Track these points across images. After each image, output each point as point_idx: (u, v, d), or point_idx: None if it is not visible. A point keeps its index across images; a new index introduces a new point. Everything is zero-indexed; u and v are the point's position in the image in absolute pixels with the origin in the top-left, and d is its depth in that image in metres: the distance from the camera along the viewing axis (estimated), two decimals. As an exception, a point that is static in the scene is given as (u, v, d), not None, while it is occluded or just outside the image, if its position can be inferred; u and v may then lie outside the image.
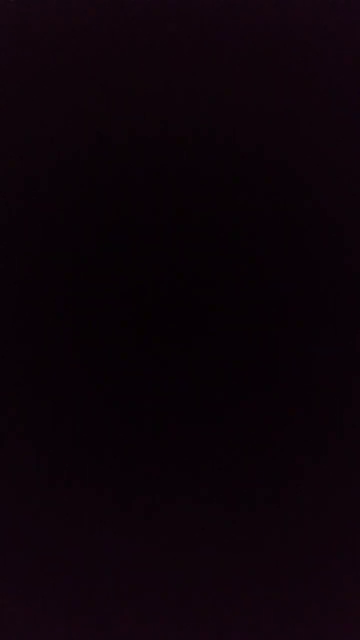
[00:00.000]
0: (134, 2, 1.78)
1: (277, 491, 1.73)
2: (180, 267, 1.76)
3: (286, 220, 1.76)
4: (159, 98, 1.78)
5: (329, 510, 1.73)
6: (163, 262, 1.76)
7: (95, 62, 1.79)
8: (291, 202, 1.76)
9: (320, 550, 1.73)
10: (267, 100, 1.77)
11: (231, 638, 1.73)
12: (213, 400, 1.75)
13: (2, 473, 1.75)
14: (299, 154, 1.77)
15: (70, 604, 1.73)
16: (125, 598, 1.73)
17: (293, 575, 1.73)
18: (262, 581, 1.73)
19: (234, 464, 1.74)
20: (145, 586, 1.73)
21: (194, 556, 1.73)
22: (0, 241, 1.77)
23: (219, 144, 1.77)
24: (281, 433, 1.74)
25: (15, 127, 1.79)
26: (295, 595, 1.73)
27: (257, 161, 1.77)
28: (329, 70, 1.77)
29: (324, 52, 1.77)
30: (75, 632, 1.73)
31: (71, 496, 1.74)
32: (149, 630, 1.73)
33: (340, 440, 1.74)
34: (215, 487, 1.74)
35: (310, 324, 1.75)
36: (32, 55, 1.78)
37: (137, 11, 1.78)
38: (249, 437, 1.74)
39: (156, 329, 1.75)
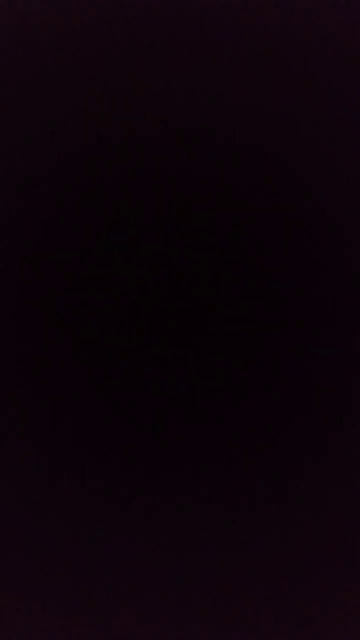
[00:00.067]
0: (134, 2, 1.78)
1: (277, 491, 1.73)
2: (180, 267, 1.76)
3: (286, 220, 1.76)
4: (159, 98, 1.78)
5: (329, 510, 1.73)
6: (163, 262, 1.76)
7: (95, 62, 1.79)
8: (291, 202, 1.76)
9: (320, 550, 1.73)
10: (267, 100, 1.77)
11: (231, 638, 1.73)
12: (213, 400, 1.75)
13: (2, 473, 1.75)
14: (299, 154, 1.77)
15: (70, 604, 1.73)
16: (125, 598, 1.73)
17: (293, 575, 1.73)
18: (262, 581, 1.73)
19: (234, 464, 1.74)
20: (145, 586, 1.74)
21: (194, 556, 1.73)
22: (0, 241, 1.77)
23: (219, 144, 1.77)
24: (281, 433, 1.74)
25: (15, 127, 1.79)
26: (295, 595, 1.73)
27: (257, 161, 1.77)
28: (329, 70, 1.77)
29: (324, 52, 1.77)
30: (75, 632, 1.73)
31: (71, 496, 1.74)
32: (149, 630, 1.73)
33: (340, 440, 1.74)
34: (215, 487, 1.74)
35: (310, 324, 1.75)
36: (32, 55, 1.78)
37: (137, 11, 1.78)
38: (249, 437, 1.74)
39: (156, 329, 1.75)
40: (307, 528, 1.73)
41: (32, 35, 1.79)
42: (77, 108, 1.78)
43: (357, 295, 1.75)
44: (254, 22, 1.77)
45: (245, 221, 1.76)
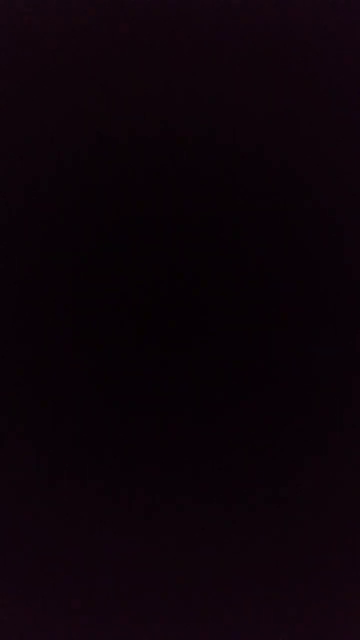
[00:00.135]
0: (134, 2, 1.78)
1: (277, 491, 1.73)
2: (179, 267, 1.76)
3: (286, 220, 1.76)
4: (159, 98, 1.78)
5: (329, 510, 1.73)
6: (163, 262, 1.76)
7: (95, 62, 1.79)
8: (291, 202, 1.76)
9: (320, 550, 1.73)
10: (267, 100, 1.77)
11: (231, 638, 1.73)
12: (213, 400, 1.75)
13: (2, 473, 1.75)
14: (299, 154, 1.77)
15: (70, 604, 1.73)
16: (125, 598, 1.73)
17: (293, 575, 1.73)
18: (262, 581, 1.73)
19: (234, 464, 1.74)
20: (145, 586, 1.73)
21: (194, 556, 1.73)
22: (0, 241, 1.77)
23: (219, 144, 1.77)
24: (281, 433, 1.74)
25: (15, 127, 1.79)
26: (295, 595, 1.73)
27: (257, 161, 1.77)
28: (329, 70, 1.77)
29: (324, 52, 1.77)
30: (75, 632, 1.73)
31: (71, 496, 1.74)
32: (149, 630, 1.73)
33: (340, 440, 1.74)
34: (215, 487, 1.74)
35: (310, 324, 1.75)
36: (32, 55, 1.78)
37: (137, 11, 1.78)
38: (249, 437, 1.74)
39: (156, 329, 1.75)
40: (307, 528, 1.73)
41: (32, 35, 1.79)
42: (77, 108, 1.78)
43: (357, 295, 1.75)
44: (254, 22, 1.77)
45: (245, 221, 1.76)
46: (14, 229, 1.77)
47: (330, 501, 1.73)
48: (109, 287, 1.76)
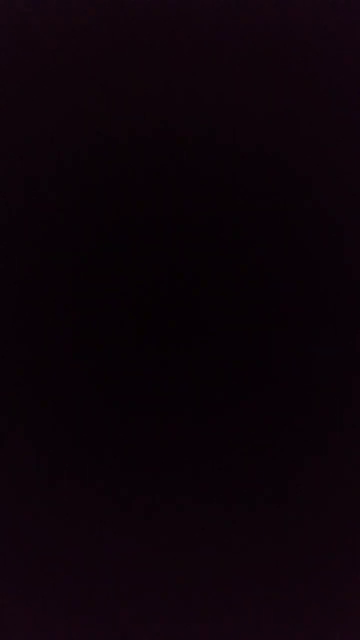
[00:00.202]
0: (134, 2, 1.78)
1: (277, 491, 1.73)
2: (179, 267, 1.76)
3: (286, 220, 1.76)
4: (159, 98, 1.78)
5: (329, 510, 1.73)
6: (163, 262, 1.76)
7: (95, 62, 1.79)
8: (291, 202, 1.76)
9: (320, 550, 1.73)
10: (267, 100, 1.77)
11: (231, 638, 1.73)
12: (213, 400, 1.75)
13: (2, 473, 1.75)
14: (299, 154, 1.77)
15: (70, 604, 1.73)
16: (125, 598, 1.73)
17: (293, 575, 1.73)
18: (262, 581, 1.73)
19: (234, 464, 1.74)
20: (145, 586, 1.74)
21: (194, 556, 1.73)
22: (0, 241, 1.77)
23: (219, 144, 1.77)
24: (281, 433, 1.74)
25: (15, 127, 1.79)
26: (295, 595, 1.73)
27: (257, 161, 1.77)
28: (329, 70, 1.77)
29: (324, 52, 1.77)
30: (75, 632, 1.73)
31: (71, 496, 1.74)
32: (149, 630, 1.73)
33: (340, 440, 1.74)
34: (215, 487, 1.74)
35: (310, 324, 1.75)
36: (32, 55, 1.78)
37: (137, 11, 1.78)
38: (249, 436, 1.74)
39: (156, 329, 1.75)
40: (307, 528, 1.73)
41: (32, 35, 1.79)
42: (77, 108, 1.78)
43: (357, 295, 1.75)
44: (254, 22, 1.77)
45: (245, 221, 1.76)
46: (14, 229, 1.77)
47: (330, 501, 1.73)
48: (109, 287, 1.76)
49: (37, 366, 1.75)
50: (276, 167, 1.77)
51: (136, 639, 1.73)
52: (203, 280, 1.76)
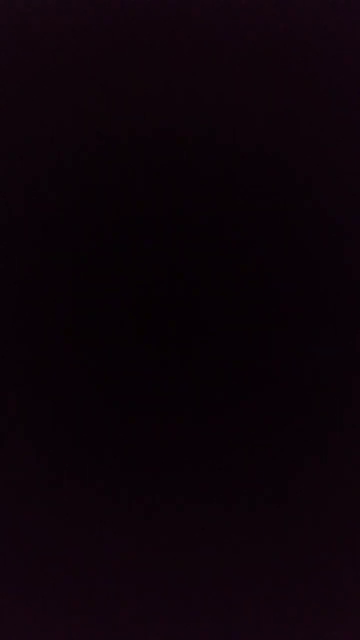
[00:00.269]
0: (134, 2, 1.78)
1: (277, 491, 1.73)
2: (180, 267, 1.76)
3: (286, 220, 1.76)
4: (159, 98, 1.78)
5: (329, 510, 1.73)
6: (163, 262, 1.76)
7: (95, 62, 1.79)
8: (291, 202, 1.76)
9: (320, 550, 1.73)
10: (267, 100, 1.77)
11: (231, 638, 1.73)
12: (213, 400, 1.75)
13: (2, 473, 1.75)
14: (299, 154, 1.77)
15: (70, 604, 1.73)
16: (125, 598, 1.73)
17: (293, 575, 1.73)
18: (262, 581, 1.73)
19: (234, 464, 1.74)
20: (145, 586, 1.74)
21: (194, 556, 1.73)
22: (0, 241, 1.77)
23: (219, 144, 1.77)
24: (281, 433, 1.74)
25: (16, 127, 1.79)
26: (295, 595, 1.73)
27: (257, 161, 1.77)
28: (329, 70, 1.77)
29: (324, 52, 1.77)
30: (75, 632, 1.73)
31: (71, 496, 1.74)
32: (149, 630, 1.73)
33: (340, 440, 1.74)
34: (215, 487, 1.74)
35: (310, 324, 1.75)
36: (32, 55, 1.78)
37: (137, 11, 1.78)
38: (249, 436, 1.74)
39: (156, 329, 1.75)
40: (307, 528, 1.73)
41: (32, 35, 1.79)
42: (77, 108, 1.78)
43: (357, 295, 1.75)
44: (254, 22, 1.77)
45: (245, 221, 1.76)
46: (14, 229, 1.77)
47: (330, 501, 1.73)
48: (109, 287, 1.76)
49: (37, 366, 1.75)
50: (276, 167, 1.77)
51: (136, 639, 1.73)
52: (203, 280, 1.76)
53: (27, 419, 1.75)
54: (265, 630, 1.73)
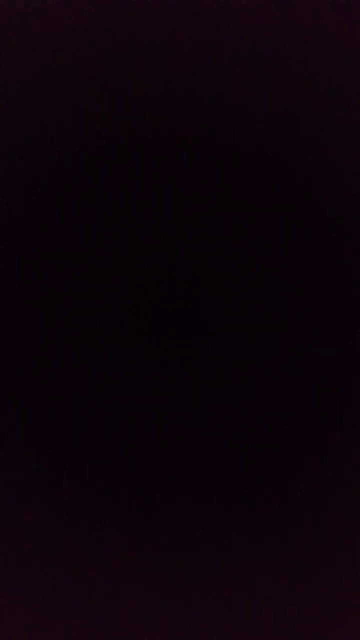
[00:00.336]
0: (134, 2, 1.78)
1: (277, 491, 1.73)
2: (180, 267, 1.76)
3: (286, 220, 1.76)
4: (159, 98, 1.78)
5: (329, 510, 1.73)
6: (163, 262, 1.76)
7: (95, 62, 1.79)
8: (291, 202, 1.76)
9: (320, 550, 1.73)
10: (267, 100, 1.77)
11: (231, 638, 1.73)
12: (213, 400, 1.75)
13: (2, 473, 1.75)
14: (299, 154, 1.77)
15: (70, 604, 1.73)
16: (125, 598, 1.73)
17: (293, 575, 1.73)
18: (262, 581, 1.73)
19: (234, 464, 1.74)
20: (145, 586, 1.74)
21: (194, 556, 1.73)
22: (0, 241, 1.77)
23: (219, 144, 1.77)
24: (281, 433, 1.74)
25: (16, 127, 1.79)
26: (295, 595, 1.73)
27: (257, 161, 1.77)
28: (329, 70, 1.77)
29: (324, 52, 1.77)
30: (75, 632, 1.73)
31: (71, 496, 1.74)
32: (149, 630, 1.73)
33: (340, 440, 1.74)
34: (215, 487, 1.74)
35: (310, 324, 1.75)
36: (32, 55, 1.78)
37: (137, 11, 1.78)
38: (249, 436, 1.74)
39: (156, 329, 1.75)
40: (307, 528, 1.73)
41: (32, 35, 1.79)
42: (77, 108, 1.78)
43: (357, 295, 1.75)
44: (254, 22, 1.77)
45: (245, 221, 1.76)
46: (14, 229, 1.77)
47: (330, 501, 1.73)
48: (109, 287, 1.76)
49: (37, 366, 1.75)
50: (276, 167, 1.77)
51: (136, 639, 1.73)
52: (203, 280, 1.76)
53: (27, 419, 1.75)
54: (265, 630, 1.73)
